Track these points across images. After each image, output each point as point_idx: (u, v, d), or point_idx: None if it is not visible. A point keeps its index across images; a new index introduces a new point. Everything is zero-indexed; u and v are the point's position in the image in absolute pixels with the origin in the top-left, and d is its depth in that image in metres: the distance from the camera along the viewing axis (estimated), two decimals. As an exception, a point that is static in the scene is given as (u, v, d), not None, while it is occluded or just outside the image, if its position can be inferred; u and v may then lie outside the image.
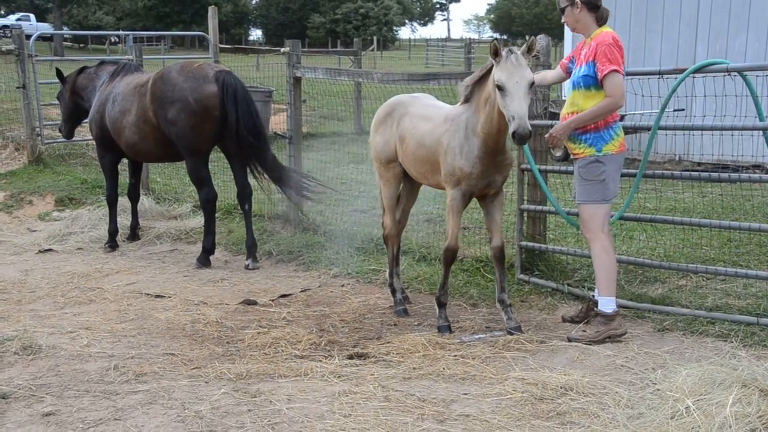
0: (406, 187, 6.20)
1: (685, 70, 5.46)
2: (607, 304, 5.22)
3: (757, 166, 10.17)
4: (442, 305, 5.65)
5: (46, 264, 7.85)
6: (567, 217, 5.92)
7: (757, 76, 5.71)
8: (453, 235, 5.48)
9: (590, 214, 5.22)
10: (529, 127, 4.78)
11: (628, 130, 5.63)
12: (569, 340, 5.23)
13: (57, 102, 9.72)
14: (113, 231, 8.51)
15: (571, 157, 5.40)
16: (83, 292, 6.79)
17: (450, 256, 5.59)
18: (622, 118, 5.36)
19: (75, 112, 9.09)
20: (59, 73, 9.12)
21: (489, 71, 5.09)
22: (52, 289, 6.90)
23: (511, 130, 4.76)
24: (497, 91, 4.84)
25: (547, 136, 5.30)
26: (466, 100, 5.36)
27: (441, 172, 5.44)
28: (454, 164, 5.30)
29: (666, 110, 5.51)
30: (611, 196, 5.22)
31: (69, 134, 9.44)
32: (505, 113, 4.83)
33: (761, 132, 5.49)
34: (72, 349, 5.28)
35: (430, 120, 5.60)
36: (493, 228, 5.55)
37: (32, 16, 53.13)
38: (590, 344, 5.11)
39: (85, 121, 9.02)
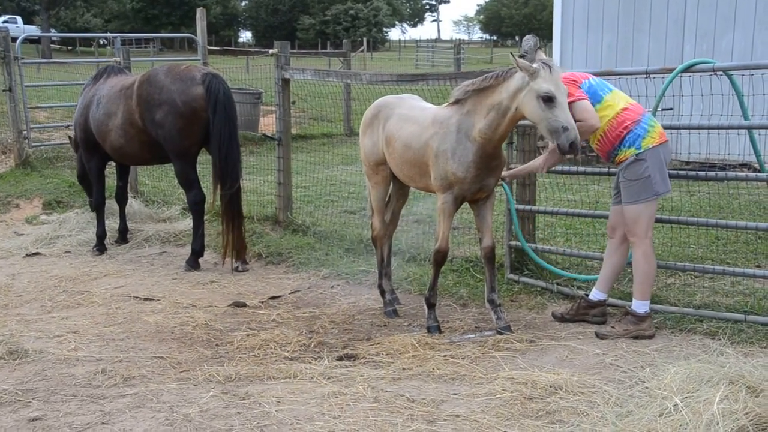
0: (396, 188, 6.18)
1: (671, 69, 5.49)
2: (641, 305, 5.25)
3: (744, 165, 10.21)
4: (431, 306, 5.65)
5: (33, 268, 7.80)
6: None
7: (743, 75, 5.74)
8: (444, 237, 5.48)
9: (636, 216, 5.15)
10: (579, 137, 4.82)
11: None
12: (597, 335, 5.27)
13: (43, 106, 9.65)
14: (101, 234, 8.47)
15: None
16: (71, 296, 6.75)
17: (440, 258, 5.58)
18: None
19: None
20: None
21: (500, 82, 5.05)
22: (40, 293, 6.86)
23: (567, 141, 4.73)
24: (543, 102, 4.78)
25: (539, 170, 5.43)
26: (457, 102, 5.33)
27: (431, 175, 5.42)
28: (447, 169, 5.27)
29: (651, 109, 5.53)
30: (662, 191, 5.15)
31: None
32: (551, 124, 4.78)
33: (746, 131, 5.52)
34: (59, 353, 5.24)
35: (416, 122, 5.58)
36: (484, 229, 5.55)
37: (19, 19, 52.85)
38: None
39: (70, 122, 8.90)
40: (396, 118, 5.74)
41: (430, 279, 5.72)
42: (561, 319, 5.66)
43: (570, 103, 4.97)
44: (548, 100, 4.78)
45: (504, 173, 5.71)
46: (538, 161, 5.53)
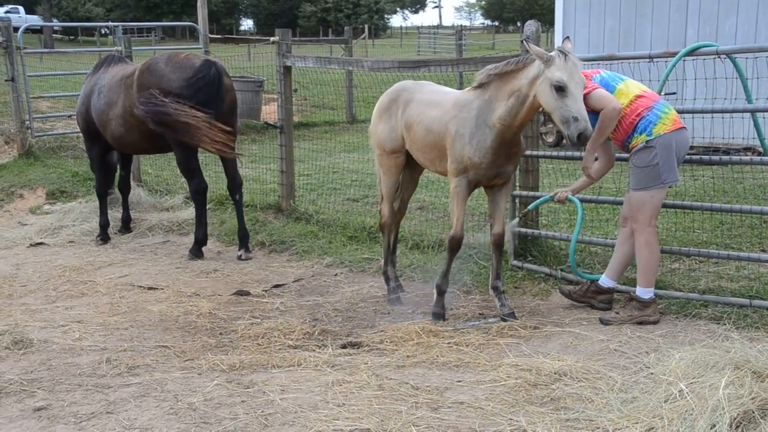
0: (406, 176, 6.12)
1: (675, 53, 5.45)
2: (645, 291, 5.24)
3: (748, 149, 10.17)
4: (441, 293, 5.59)
5: (37, 257, 7.81)
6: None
7: (747, 58, 5.70)
8: (458, 222, 5.40)
9: (641, 203, 5.13)
10: (592, 129, 4.76)
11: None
12: (601, 321, 5.26)
13: (46, 95, 9.63)
14: (104, 224, 8.47)
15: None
16: (75, 286, 6.76)
17: (455, 245, 5.50)
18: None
19: None
20: None
21: (521, 68, 5.00)
22: (44, 283, 6.87)
23: (576, 132, 4.69)
24: (555, 91, 4.74)
25: (585, 174, 5.36)
26: (479, 86, 5.26)
27: (448, 158, 5.36)
28: (463, 152, 5.22)
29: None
30: (669, 180, 5.09)
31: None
32: (562, 114, 4.74)
33: (750, 114, 5.48)
34: (64, 342, 5.25)
35: (437, 105, 5.51)
36: (496, 215, 5.52)
37: (21, 8, 52.77)
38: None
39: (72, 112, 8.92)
40: (417, 103, 5.66)
41: (443, 265, 5.64)
42: (567, 295, 5.66)
43: (585, 95, 4.96)
44: (560, 89, 4.74)
45: (564, 191, 5.68)
46: (591, 171, 5.45)
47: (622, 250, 5.47)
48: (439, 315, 5.53)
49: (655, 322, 5.18)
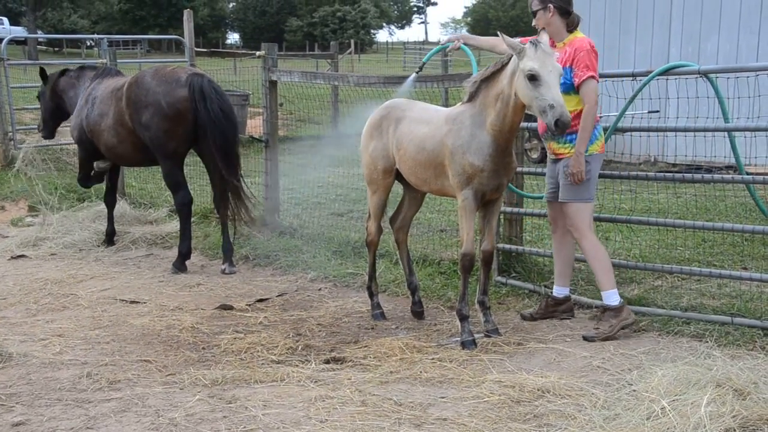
0: (410, 195, 6.05)
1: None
2: (611, 297, 5.29)
3: (730, 167, 10.27)
4: (464, 318, 5.33)
5: (18, 270, 7.74)
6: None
7: (728, 78, 5.77)
8: (468, 238, 5.26)
9: (580, 212, 5.27)
10: (570, 115, 4.74)
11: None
12: (585, 339, 5.27)
13: (29, 107, 9.61)
14: (83, 179, 8.60)
15: (551, 157, 5.43)
16: (56, 299, 6.69)
17: (467, 263, 5.31)
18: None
19: (55, 113, 9.07)
20: (42, 72, 9.05)
21: (501, 68, 5.01)
22: (25, 296, 6.79)
23: (552, 119, 4.63)
24: (528, 81, 4.70)
25: (570, 177, 5.22)
26: (470, 99, 5.23)
27: (447, 175, 5.29)
28: (464, 162, 5.13)
29: (641, 112, 5.55)
30: (593, 197, 5.30)
31: (50, 134, 9.42)
32: (538, 104, 4.70)
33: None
34: (44, 356, 5.19)
35: (429, 123, 5.45)
36: (487, 231, 5.47)
37: (5, 20, 52.46)
38: (607, 340, 5.17)
39: (66, 124, 9.01)
40: (408, 121, 5.59)
41: (460, 288, 5.45)
42: (531, 318, 5.74)
43: (586, 79, 5.06)
44: (533, 78, 4.70)
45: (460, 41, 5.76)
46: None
47: (562, 256, 5.61)
48: (470, 342, 5.22)
49: (632, 323, 5.25)
